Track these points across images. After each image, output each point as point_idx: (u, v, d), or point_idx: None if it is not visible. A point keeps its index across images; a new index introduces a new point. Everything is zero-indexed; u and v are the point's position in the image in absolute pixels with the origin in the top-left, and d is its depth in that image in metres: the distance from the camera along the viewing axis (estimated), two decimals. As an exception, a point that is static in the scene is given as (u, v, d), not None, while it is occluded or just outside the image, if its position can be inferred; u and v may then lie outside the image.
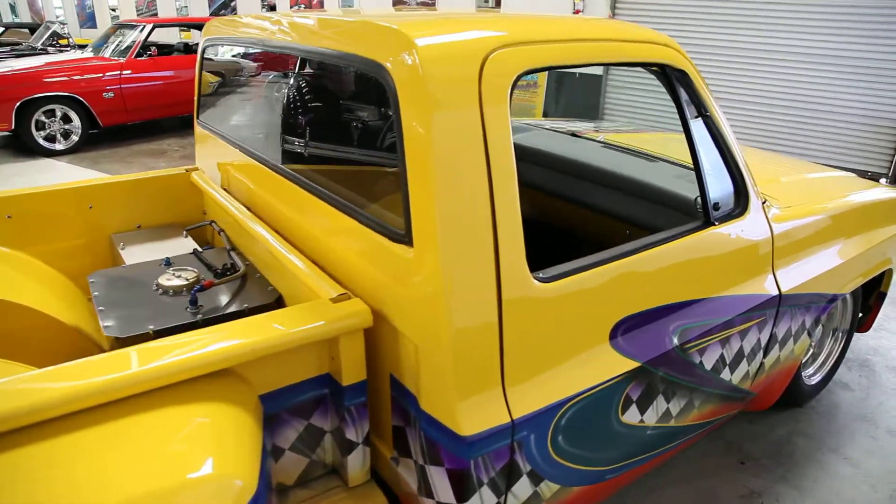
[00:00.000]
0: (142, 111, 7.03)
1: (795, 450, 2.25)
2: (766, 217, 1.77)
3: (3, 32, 10.82)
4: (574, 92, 7.53)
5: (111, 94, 6.67)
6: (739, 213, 1.70)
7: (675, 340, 1.52)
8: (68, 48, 8.92)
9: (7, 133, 6.36)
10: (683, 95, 1.57)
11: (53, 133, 6.48)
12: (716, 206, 1.63)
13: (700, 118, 1.61)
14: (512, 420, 1.21)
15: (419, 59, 1.11)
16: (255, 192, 1.92)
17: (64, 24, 11.18)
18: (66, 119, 6.53)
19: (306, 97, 2.13)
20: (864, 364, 2.82)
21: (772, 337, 1.86)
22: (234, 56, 2.65)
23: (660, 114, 7.02)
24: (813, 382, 2.46)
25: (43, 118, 6.37)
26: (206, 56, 2.35)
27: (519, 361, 1.23)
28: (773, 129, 6.39)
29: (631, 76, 7.11)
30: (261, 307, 1.65)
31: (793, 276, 1.86)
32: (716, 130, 1.63)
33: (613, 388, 1.39)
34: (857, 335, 3.01)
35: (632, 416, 1.47)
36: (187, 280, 1.79)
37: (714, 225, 1.61)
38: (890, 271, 2.49)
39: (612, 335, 1.40)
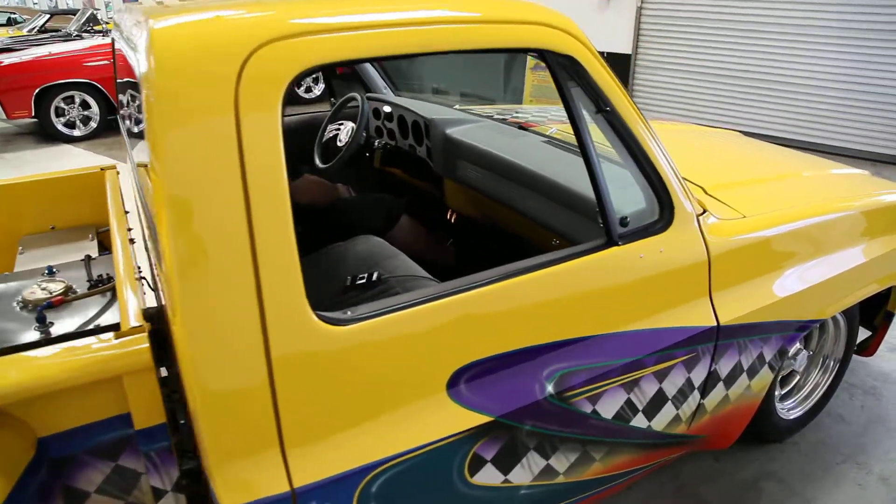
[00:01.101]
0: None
1: (761, 498, 1.93)
2: (702, 232, 1.46)
3: (50, 19, 11.14)
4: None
5: (128, 80, 6.71)
6: (660, 229, 1.40)
7: (550, 388, 1.26)
8: (101, 34, 9.08)
9: (31, 120, 6.51)
10: (573, 87, 1.28)
11: (73, 119, 6.59)
12: (623, 221, 1.34)
13: (601, 114, 1.32)
14: (292, 489, 0.99)
15: (154, 56, 0.89)
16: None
17: (109, 9, 11.41)
18: (86, 105, 6.62)
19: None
20: (870, 391, 2.43)
21: (711, 375, 1.56)
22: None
23: (699, 97, 6.50)
24: (793, 416, 2.12)
25: (63, 105, 6.49)
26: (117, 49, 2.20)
27: (304, 420, 1.01)
28: (805, 112, 5.80)
29: (664, 54, 6.61)
30: (109, 327, 1.49)
31: (740, 303, 1.54)
32: (623, 129, 1.33)
33: (453, 446, 1.14)
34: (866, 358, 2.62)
35: (488, 476, 1.22)
36: (51, 293, 1.64)
37: (617, 244, 1.33)
38: None
39: (452, 384, 1.15)
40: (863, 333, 2.25)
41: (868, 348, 2.29)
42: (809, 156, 2.50)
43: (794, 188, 1.96)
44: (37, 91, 6.24)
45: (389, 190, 2.60)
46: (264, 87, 0.92)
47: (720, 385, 1.61)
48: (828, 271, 1.74)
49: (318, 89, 8.38)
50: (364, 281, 1.94)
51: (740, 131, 6.18)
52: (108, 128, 6.86)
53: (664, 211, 1.41)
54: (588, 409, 1.34)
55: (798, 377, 2.18)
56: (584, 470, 1.42)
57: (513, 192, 1.90)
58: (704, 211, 1.51)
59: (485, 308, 1.16)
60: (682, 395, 1.52)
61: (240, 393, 0.95)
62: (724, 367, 1.58)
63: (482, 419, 1.16)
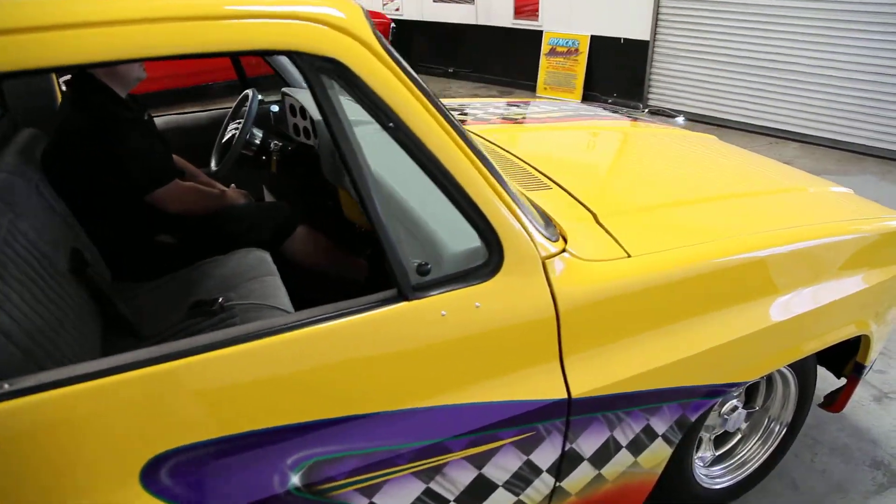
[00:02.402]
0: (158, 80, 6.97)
1: (665, 586, 1.60)
2: (549, 280, 1.14)
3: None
4: (617, 60, 6.60)
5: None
6: (481, 277, 1.09)
7: (296, 480, 0.97)
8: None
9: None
10: (335, 98, 0.97)
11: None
12: (422, 269, 1.04)
13: (388, 131, 1.01)
14: None
15: None
16: None
17: None
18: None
19: None
20: (838, 451, 2.04)
21: (568, 455, 1.24)
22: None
23: (722, 89, 5.96)
24: (720, 486, 1.76)
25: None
26: None
27: None
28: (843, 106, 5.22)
29: (684, 41, 6.08)
30: None
31: (604, 370, 1.21)
32: (419, 150, 1.02)
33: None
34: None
35: None
36: None
37: (407, 299, 1.02)
38: (867, 338, 1.71)
39: (148, 474, 0.89)
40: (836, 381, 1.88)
41: (835, 403, 1.90)
42: (790, 170, 2.10)
43: (734, 213, 1.59)
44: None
45: (292, 196, 2.34)
46: None
47: (585, 465, 1.28)
48: (751, 324, 1.39)
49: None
50: (207, 307, 1.69)
51: (768, 128, 5.66)
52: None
53: (491, 255, 1.10)
54: (361, 502, 1.05)
55: (739, 437, 1.82)
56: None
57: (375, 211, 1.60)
58: (563, 251, 1.18)
59: (201, 381, 0.89)
60: (523, 479, 1.21)
61: None
62: (586, 446, 1.26)
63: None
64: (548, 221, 1.25)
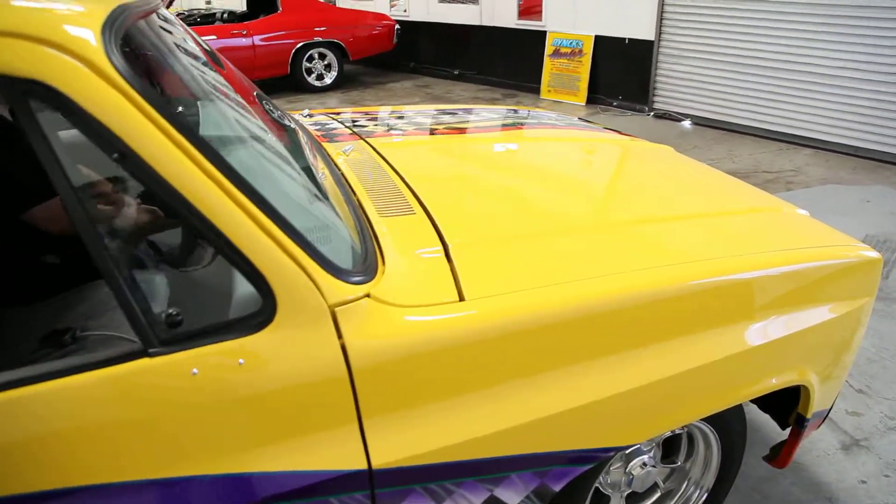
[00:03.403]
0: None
1: None
2: (339, 332, 0.95)
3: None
4: (622, 62, 6.32)
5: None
6: (250, 330, 0.91)
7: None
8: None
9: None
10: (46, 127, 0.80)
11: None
12: (172, 319, 0.87)
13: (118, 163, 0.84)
14: None
15: None
16: None
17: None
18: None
19: None
20: (787, 510, 1.79)
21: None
22: None
23: (730, 91, 5.64)
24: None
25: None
26: None
27: None
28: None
29: (691, 40, 5.77)
30: None
31: (420, 434, 1.01)
32: (157, 182, 0.84)
33: None
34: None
35: None
36: None
37: (148, 355, 0.85)
38: (806, 390, 1.47)
39: None
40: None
41: (779, 457, 1.66)
42: (748, 189, 1.83)
43: (640, 242, 1.37)
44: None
45: None
46: None
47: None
48: (628, 379, 1.16)
49: (331, 77, 8.06)
50: (59, 337, 1.55)
51: (779, 133, 5.30)
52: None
53: (266, 302, 0.91)
54: None
55: (658, 494, 1.59)
56: None
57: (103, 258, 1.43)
58: (365, 295, 0.99)
59: None
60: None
61: None
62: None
63: None
64: (365, 259, 1.06)
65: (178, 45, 1.18)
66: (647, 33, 5.97)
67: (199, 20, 8.16)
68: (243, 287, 0.92)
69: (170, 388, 0.87)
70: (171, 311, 0.87)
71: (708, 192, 1.79)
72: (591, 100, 6.69)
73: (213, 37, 7.09)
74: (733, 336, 1.28)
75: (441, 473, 1.04)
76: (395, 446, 1.00)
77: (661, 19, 5.85)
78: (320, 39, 7.73)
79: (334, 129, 2.00)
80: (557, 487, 1.17)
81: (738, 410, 1.48)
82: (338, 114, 2.27)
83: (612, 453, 1.20)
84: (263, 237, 0.89)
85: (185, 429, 0.90)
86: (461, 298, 1.05)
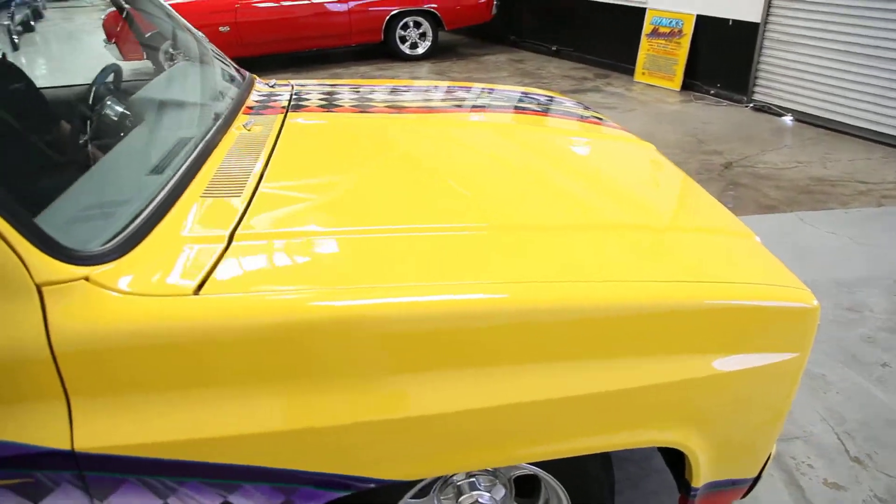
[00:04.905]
0: (257, 45, 7.35)
1: None
2: (44, 310, 0.94)
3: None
4: (723, 46, 5.70)
5: (227, 29, 7.08)
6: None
7: None
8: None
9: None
10: None
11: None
12: None
13: None
14: None
15: None
16: None
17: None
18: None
19: None
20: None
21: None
22: None
23: (846, 86, 4.92)
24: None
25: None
26: None
27: None
28: None
29: (803, 24, 5.07)
30: None
31: (131, 426, 0.98)
32: None
33: None
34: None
35: None
36: None
37: None
38: (691, 453, 1.26)
39: None
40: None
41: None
42: (712, 209, 1.56)
43: (504, 250, 1.23)
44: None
45: None
46: None
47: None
48: (378, 406, 1.05)
49: (424, 47, 8.05)
50: None
51: (892, 136, 4.51)
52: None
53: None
54: None
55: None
56: None
57: None
58: (84, 277, 0.97)
59: None
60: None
61: None
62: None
63: None
64: (112, 240, 1.05)
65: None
66: (753, 14, 5.32)
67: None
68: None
69: None
70: None
71: (654, 203, 1.57)
72: (687, 86, 6.13)
73: (308, 0, 7.31)
74: (573, 374, 1.12)
75: (158, 469, 1.01)
76: (101, 433, 0.98)
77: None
78: (414, 8, 7.72)
79: (275, 100, 1.98)
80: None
81: (591, 463, 1.30)
82: (305, 85, 2.24)
83: (371, 484, 1.11)
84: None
85: None
86: (197, 292, 1.01)
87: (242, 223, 1.19)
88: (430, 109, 2.06)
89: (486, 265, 1.16)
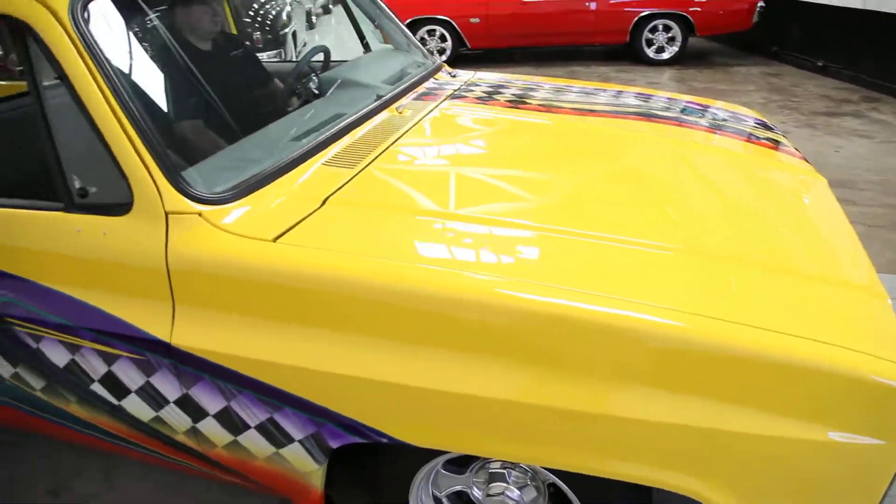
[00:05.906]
0: (503, 38, 7.69)
1: None
2: (167, 234, 1.24)
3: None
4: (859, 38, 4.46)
5: (477, 20, 7.53)
6: (117, 213, 1.28)
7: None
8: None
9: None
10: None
11: (431, 49, 7.83)
12: (83, 192, 1.30)
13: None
14: None
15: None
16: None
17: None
18: (443, 38, 7.78)
19: None
20: None
21: (188, 400, 1.33)
22: None
23: None
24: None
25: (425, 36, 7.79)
26: None
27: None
28: None
29: None
30: None
31: (213, 335, 1.24)
32: (77, 101, 1.24)
33: None
34: None
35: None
36: None
37: (65, 210, 1.31)
38: None
39: None
40: None
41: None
42: (855, 261, 1.36)
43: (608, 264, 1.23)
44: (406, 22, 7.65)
45: None
46: None
47: (213, 422, 1.34)
48: (422, 374, 1.15)
49: (671, 52, 7.63)
50: None
51: None
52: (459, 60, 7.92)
53: (128, 196, 1.27)
54: (32, 344, 1.42)
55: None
56: (63, 402, 1.49)
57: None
58: (198, 213, 1.25)
59: None
60: (152, 398, 1.36)
61: None
62: (206, 401, 1.31)
63: None
64: (232, 189, 1.31)
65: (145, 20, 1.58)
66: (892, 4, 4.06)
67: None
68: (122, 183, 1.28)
69: (67, 236, 1.31)
70: (84, 186, 1.29)
71: (789, 242, 1.41)
72: None
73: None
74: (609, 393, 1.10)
75: (225, 375, 1.27)
76: (191, 335, 1.27)
77: None
78: (663, 11, 7.36)
79: (445, 89, 2.17)
80: (334, 445, 1.27)
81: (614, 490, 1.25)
82: (483, 78, 2.41)
83: (384, 440, 1.22)
84: (132, 151, 1.23)
85: (73, 265, 1.33)
86: (276, 240, 1.22)
87: (340, 191, 1.38)
88: (581, 112, 2.05)
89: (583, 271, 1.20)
